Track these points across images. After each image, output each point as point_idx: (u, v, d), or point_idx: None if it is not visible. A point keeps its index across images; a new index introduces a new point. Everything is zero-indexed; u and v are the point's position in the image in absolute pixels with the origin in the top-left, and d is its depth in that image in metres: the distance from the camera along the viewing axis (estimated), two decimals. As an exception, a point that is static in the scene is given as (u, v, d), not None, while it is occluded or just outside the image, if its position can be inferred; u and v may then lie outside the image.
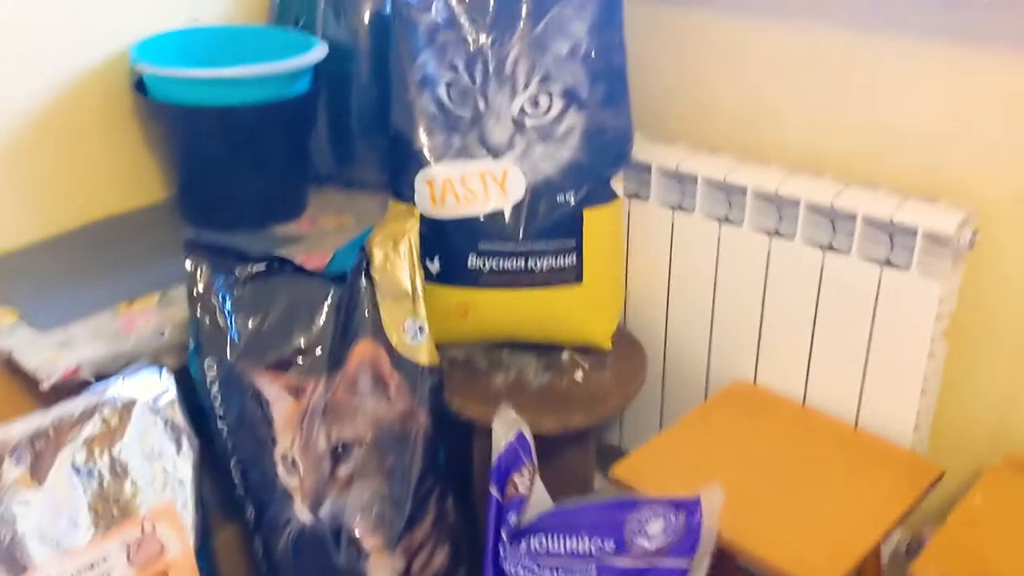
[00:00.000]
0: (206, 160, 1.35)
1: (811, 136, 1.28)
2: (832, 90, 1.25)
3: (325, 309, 1.19)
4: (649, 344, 1.40)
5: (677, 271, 1.36)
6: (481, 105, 1.26)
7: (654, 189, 1.34)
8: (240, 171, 1.35)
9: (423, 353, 1.21)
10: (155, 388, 1.13)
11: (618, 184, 1.30)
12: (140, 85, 1.35)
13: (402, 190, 1.29)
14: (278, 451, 1.16)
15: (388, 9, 1.43)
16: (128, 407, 1.09)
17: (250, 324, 1.17)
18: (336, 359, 1.18)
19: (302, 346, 1.18)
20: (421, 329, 1.21)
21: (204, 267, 1.17)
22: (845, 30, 1.21)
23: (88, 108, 1.37)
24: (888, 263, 1.17)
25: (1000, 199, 1.15)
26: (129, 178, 1.44)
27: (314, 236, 1.39)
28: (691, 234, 1.32)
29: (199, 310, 1.16)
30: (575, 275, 1.28)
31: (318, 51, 1.34)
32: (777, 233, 1.25)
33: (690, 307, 1.37)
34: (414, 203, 1.28)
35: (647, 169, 1.34)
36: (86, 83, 1.36)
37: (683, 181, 1.32)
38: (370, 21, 1.43)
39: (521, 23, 1.26)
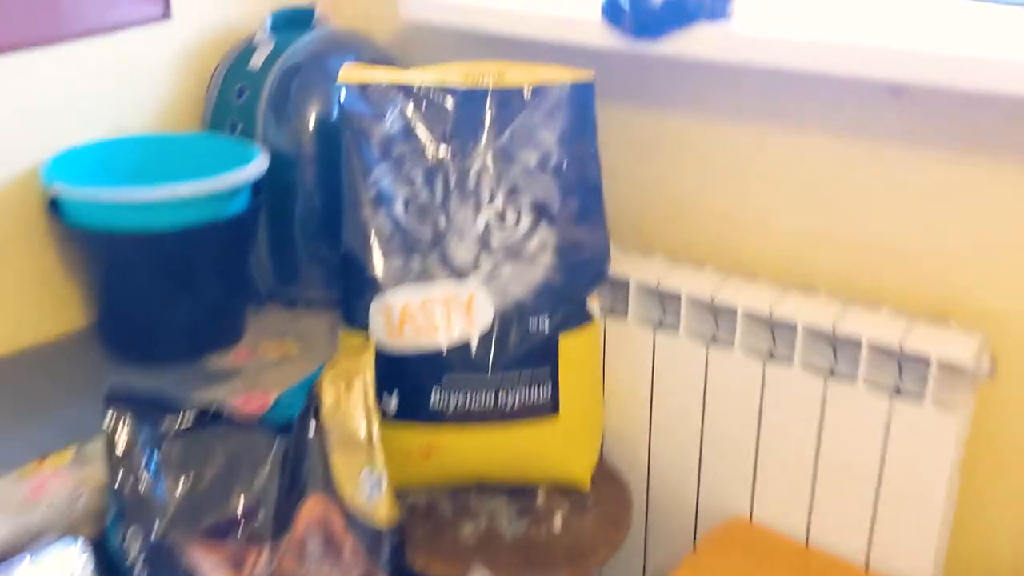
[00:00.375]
0: (129, 289, 1.19)
1: (803, 249, 1.18)
2: (824, 199, 1.15)
3: (268, 464, 1.03)
4: (631, 478, 1.27)
5: (660, 397, 1.24)
6: (442, 222, 1.13)
7: (632, 306, 1.22)
8: (168, 299, 1.20)
9: (381, 509, 1.06)
10: (69, 567, 0.96)
11: (594, 303, 1.18)
12: (55, 205, 1.19)
13: (355, 318, 1.15)
14: (215, 634, 1.00)
15: (336, 113, 1.31)
16: (33, 596, 0.92)
17: (181, 486, 1.01)
18: (282, 522, 1.02)
19: (242, 509, 1.01)
20: (379, 482, 1.06)
21: (126, 421, 1.01)
22: (837, 135, 1.12)
23: (-6, 230, 1.21)
24: (898, 392, 1.06)
25: (1014, 318, 1.06)
26: (42, 304, 1.27)
27: (253, 369, 1.23)
28: (675, 356, 1.20)
29: (121, 471, 0.99)
30: (551, 408, 1.15)
31: (258, 164, 1.21)
32: (772, 357, 1.13)
33: (676, 437, 1.24)
34: (368, 333, 1.14)
35: (624, 285, 1.23)
36: (-8, 203, 1.20)
37: (665, 298, 1.20)
38: (316, 126, 1.31)
39: (484, 132, 1.15)
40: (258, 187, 1.26)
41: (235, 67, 1.35)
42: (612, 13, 1.10)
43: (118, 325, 1.24)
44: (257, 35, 1.35)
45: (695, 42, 1.07)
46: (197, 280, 1.21)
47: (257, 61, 1.33)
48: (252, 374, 1.22)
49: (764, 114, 1.16)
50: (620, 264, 1.22)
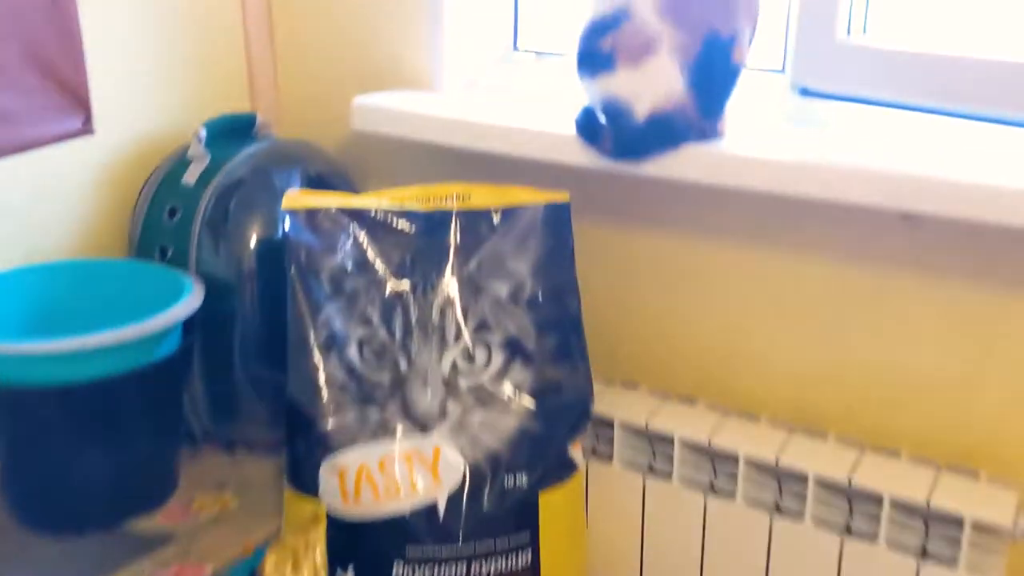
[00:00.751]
0: (40, 447, 1.03)
1: (807, 385, 1.06)
2: (827, 331, 1.04)
3: (201, 670, 0.87)
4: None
5: (652, 553, 1.09)
6: (403, 365, 0.99)
7: (618, 448, 1.09)
8: (86, 457, 1.03)
9: None
10: None
11: (577, 451, 1.05)
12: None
13: (302, 481, 1.00)
14: None
15: (280, 233, 1.17)
16: None
17: None
18: None
19: None
20: None
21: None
22: (841, 261, 1.01)
23: None
24: (925, 555, 0.94)
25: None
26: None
27: (187, 532, 1.07)
28: (668, 507, 1.07)
29: None
30: (531, 576, 1.01)
31: (191, 300, 1.06)
32: (779, 510, 1.01)
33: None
34: (318, 498, 0.99)
35: (607, 424, 1.10)
36: None
37: (655, 441, 1.08)
38: (257, 248, 1.17)
39: (449, 261, 1.02)
40: (191, 323, 1.11)
41: (165, 184, 1.20)
42: (588, 132, 0.99)
43: (27, 487, 1.07)
44: (191, 148, 1.21)
45: (683, 164, 0.96)
46: (120, 434, 1.05)
47: (191, 177, 1.19)
48: (186, 538, 1.06)
49: (760, 237, 1.05)
50: (603, 399, 1.08)
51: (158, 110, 1.26)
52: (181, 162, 1.22)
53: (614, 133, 0.96)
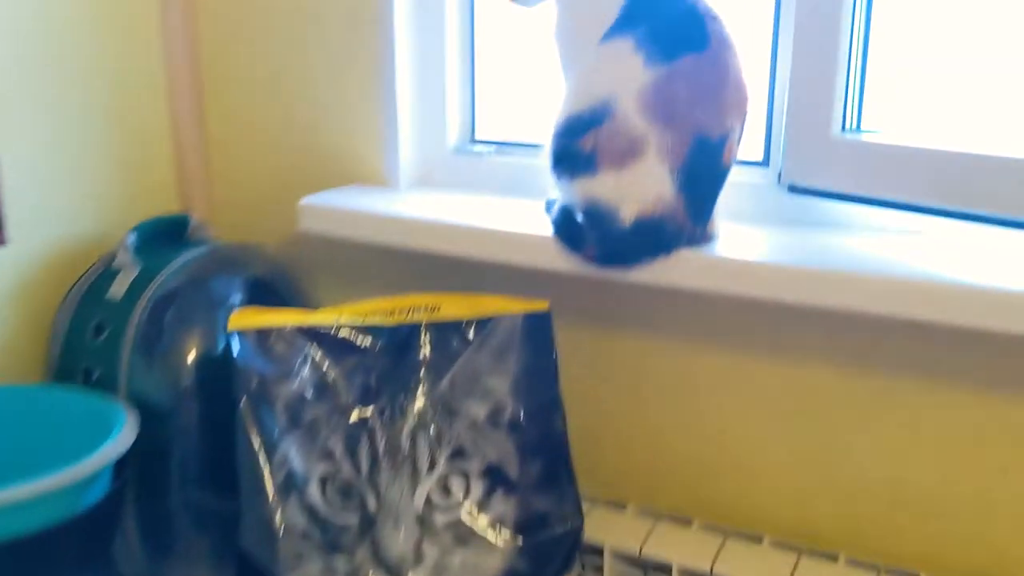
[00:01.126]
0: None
1: (809, 503, 0.98)
2: (829, 443, 0.96)
3: None
4: None
5: None
6: (371, 503, 0.88)
7: (609, 579, 1.00)
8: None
9: None
10: None
11: (565, 585, 0.95)
12: None
13: (259, 643, 0.87)
14: None
15: (220, 346, 1.05)
16: None
17: None
18: None
19: None
20: None
21: None
22: (841, 367, 0.95)
23: None
24: None
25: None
26: None
27: None
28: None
29: None
30: None
31: (124, 435, 0.93)
32: (792, 642, 0.92)
33: None
34: (279, 662, 0.86)
35: (596, 551, 1.00)
36: None
37: (650, 569, 0.98)
38: (197, 363, 1.04)
39: (419, 381, 0.91)
40: (123, 460, 0.98)
41: (89, 298, 1.07)
42: (569, 236, 0.91)
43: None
44: (118, 256, 1.08)
45: (674, 270, 0.88)
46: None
47: (119, 289, 1.07)
48: None
49: (756, 344, 0.98)
50: (589, 522, 0.97)
51: (78, 214, 1.14)
52: (106, 273, 1.09)
53: (599, 239, 0.88)
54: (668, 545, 0.97)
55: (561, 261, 0.93)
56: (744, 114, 0.87)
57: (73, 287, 1.08)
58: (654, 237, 0.87)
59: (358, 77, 1.12)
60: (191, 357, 1.04)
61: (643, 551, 0.97)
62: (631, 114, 0.85)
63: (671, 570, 0.95)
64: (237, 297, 1.10)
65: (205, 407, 1.04)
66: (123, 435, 0.93)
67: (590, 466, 1.06)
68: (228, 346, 1.02)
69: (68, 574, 0.92)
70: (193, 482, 1.06)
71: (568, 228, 0.92)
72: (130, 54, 1.17)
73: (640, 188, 0.86)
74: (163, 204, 1.23)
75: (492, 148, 1.15)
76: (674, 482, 1.05)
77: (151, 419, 1.01)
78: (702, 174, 0.86)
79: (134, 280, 1.06)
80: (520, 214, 1.02)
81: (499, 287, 1.02)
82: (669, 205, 0.86)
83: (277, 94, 1.18)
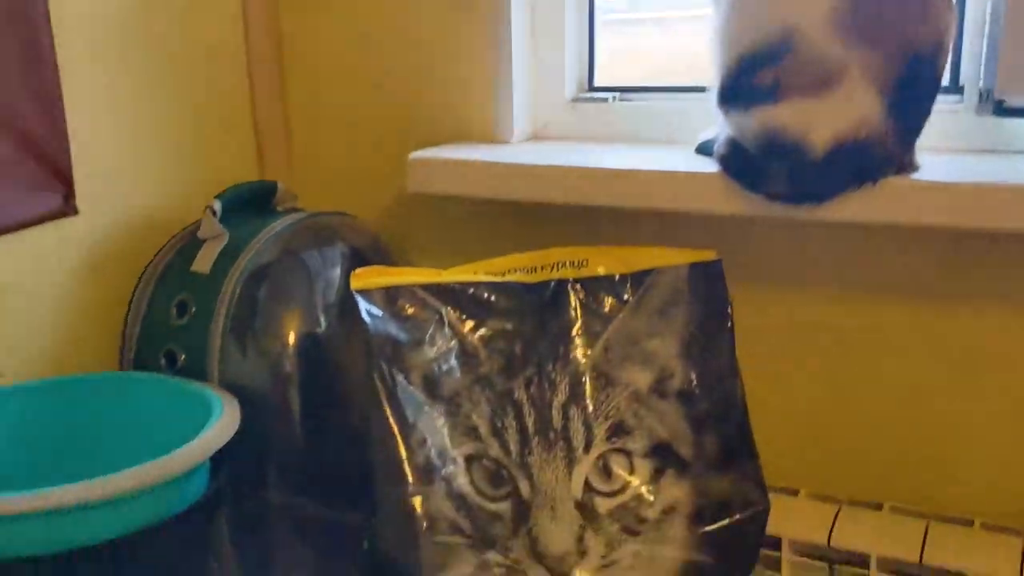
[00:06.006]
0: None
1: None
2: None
3: None
4: None
5: None
6: (524, 488, 0.74)
7: (790, 574, 0.85)
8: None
9: None
10: None
11: (745, 584, 0.81)
12: None
13: (401, 660, 0.73)
14: None
15: (323, 326, 0.93)
16: None
17: None
18: None
19: None
20: None
21: None
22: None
23: None
24: None
25: None
26: None
27: None
28: (863, 646, 0.83)
29: None
30: None
31: (225, 423, 0.80)
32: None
33: None
34: None
35: (774, 544, 0.86)
36: None
37: (838, 561, 0.84)
38: (297, 345, 0.91)
39: (570, 343, 0.78)
40: (220, 458, 0.84)
41: (170, 273, 0.95)
42: (746, 175, 0.78)
43: None
44: (202, 226, 0.96)
45: (878, 203, 0.75)
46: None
47: (205, 262, 0.94)
48: None
49: (974, 293, 0.84)
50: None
51: (154, 184, 1.02)
52: (189, 244, 0.96)
53: (788, 172, 0.75)
54: (860, 534, 0.83)
55: (731, 203, 0.80)
56: (953, 17, 0.75)
57: (152, 261, 0.95)
58: (857, 165, 0.74)
59: (467, 22, 0.99)
60: (291, 339, 0.92)
61: (831, 540, 0.83)
62: (820, 43, 0.73)
63: (868, 562, 0.82)
64: (336, 270, 0.97)
65: (308, 397, 0.91)
66: (224, 422, 0.80)
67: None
68: (331, 326, 0.91)
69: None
70: (294, 486, 0.92)
71: (743, 164, 0.79)
72: (209, 9, 1.05)
73: (838, 113, 0.73)
74: (244, 173, 1.10)
75: (614, 95, 1.02)
76: (858, 463, 0.90)
77: (248, 409, 0.88)
78: (916, 93, 0.73)
79: (222, 251, 0.94)
80: (659, 158, 0.89)
81: (646, 241, 0.88)
82: (875, 129, 0.73)
83: (369, 46, 1.06)
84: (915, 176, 0.75)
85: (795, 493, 0.90)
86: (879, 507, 0.86)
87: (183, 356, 0.92)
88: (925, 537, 0.81)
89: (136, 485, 0.71)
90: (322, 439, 0.91)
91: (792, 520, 0.86)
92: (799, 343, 0.91)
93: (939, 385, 0.87)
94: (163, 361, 0.92)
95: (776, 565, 0.86)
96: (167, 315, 0.93)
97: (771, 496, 0.88)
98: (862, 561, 0.82)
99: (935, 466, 0.88)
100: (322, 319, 0.93)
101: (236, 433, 0.82)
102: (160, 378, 0.90)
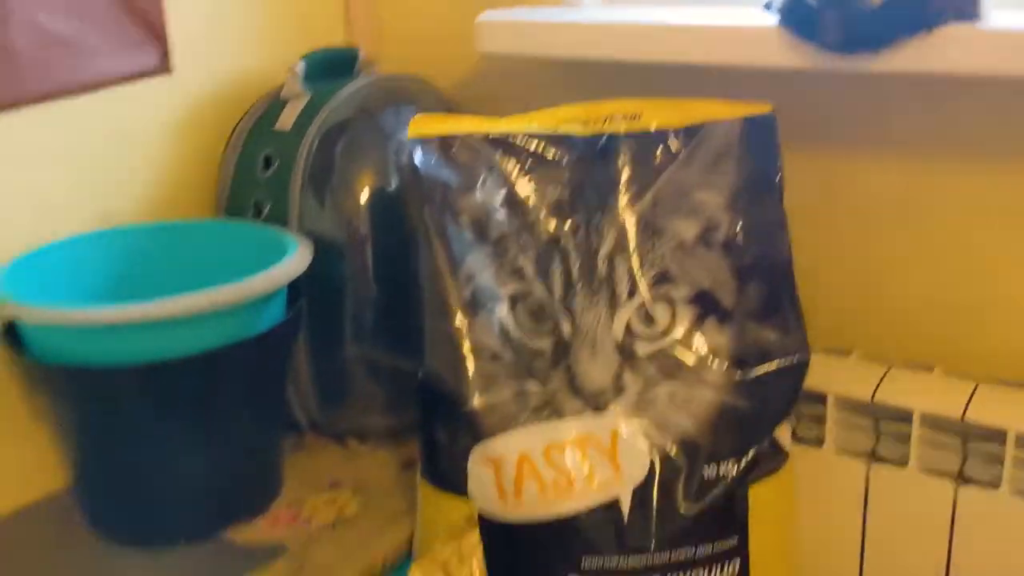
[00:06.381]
0: (119, 439, 0.84)
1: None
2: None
3: None
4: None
5: (875, 560, 0.87)
6: (566, 328, 0.79)
7: (832, 430, 0.87)
8: (177, 451, 0.84)
9: None
10: None
11: (784, 434, 0.83)
12: (12, 332, 0.85)
13: (445, 475, 0.79)
14: None
15: (394, 184, 0.98)
16: None
17: None
18: None
19: None
20: None
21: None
22: None
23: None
24: None
25: None
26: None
27: (299, 542, 0.87)
28: (902, 500, 0.84)
29: None
30: (738, 592, 0.79)
31: (298, 259, 0.87)
32: (1064, 504, 0.78)
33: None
34: (466, 493, 0.78)
35: (819, 399, 0.87)
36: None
37: (883, 416, 0.85)
38: (370, 201, 0.97)
39: (618, 196, 0.80)
40: (296, 290, 0.92)
41: (258, 129, 1.01)
42: (800, 23, 0.77)
43: (105, 494, 0.88)
44: (286, 86, 1.02)
45: (937, 51, 0.73)
46: (214, 423, 0.85)
47: (287, 120, 1.00)
48: (298, 550, 0.86)
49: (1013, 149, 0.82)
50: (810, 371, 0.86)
51: (243, 47, 1.08)
52: (275, 104, 1.02)
53: (841, 18, 0.74)
54: (906, 392, 0.84)
55: (786, 55, 0.80)
56: None
57: (241, 120, 1.02)
58: (914, 10, 0.72)
59: None
60: (365, 193, 0.97)
61: (876, 397, 0.84)
62: None
63: (911, 418, 0.82)
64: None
65: (379, 247, 0.97)
66: (296, 258, 0.86)
67: (807, 310, 0.93)
68: (404, 176, 0.95)
69: (245, 402, 0.87)
70: (367, 326, 0.99)
71: (799, 12, 0.78)
72: None
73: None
74: (331, 38, 1.15)
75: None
76: (910, 327, 0.90)
77: (323, 257, 0.94)
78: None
79: (303, 109, 0.99)
80: (725, 14, 0.88)
81: (707, 95, 0.89)
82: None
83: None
84: (976, 25, 0.73)
85: (847, 354, 0.91)
86: (930, 369, 0.86)
87: (268, 206, 0.99)
88: (971, 397, 0.81)
89: (214, 303, 0.79)
90: (388, 286, 0.97)
91: (839, 378, 0.87)
92: (854, 203, 0.91)
93: (1000, 247, 0.85)
94: (252, 211, 1.00)
95: (820, 421, 0.87)
96: (254, 169, 1.00)
97: (822, 356, 0.90)
98: (905, 418, 0.83)
99: (989, 329, 0.86)
100: (394, 178, 0.98)
101: (314, 277, 0.90)
102: (248, 225, 0.98)
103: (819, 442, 0.87)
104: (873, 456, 0.85)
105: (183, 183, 1.03)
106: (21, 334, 0.83)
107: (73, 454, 0.89)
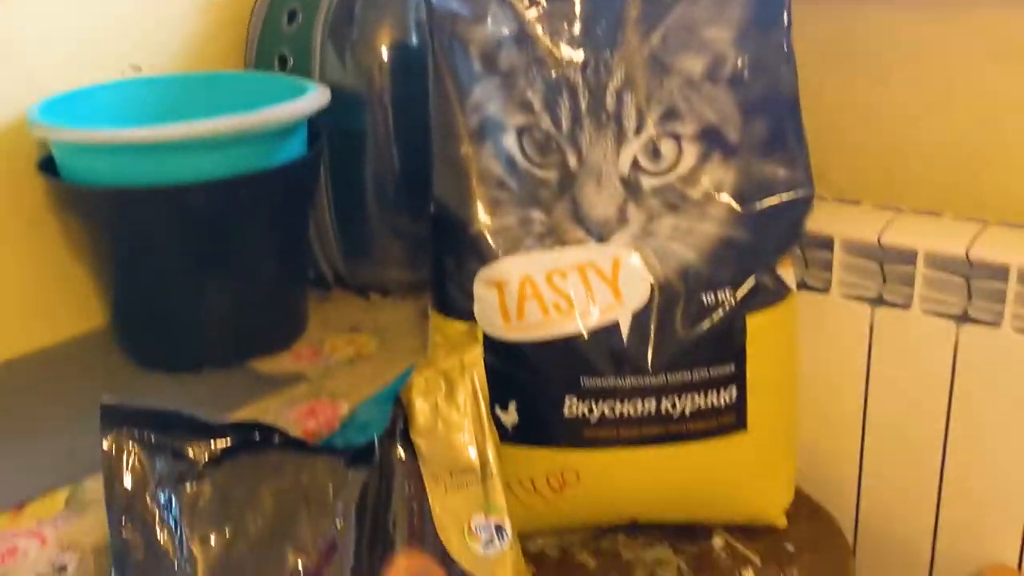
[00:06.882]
0: (151, 267, 0.89)
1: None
2: None
3: (339, 509, 0.71)
4: (834, 512, 0.92)
5: (880, 400, 0.89)
6: (572, 161, 0.80)
7: (838, 274, 0.88)
8: (202, 281, 0.89)
9: (504, 567, 0.73)
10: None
11: (788, 270, 0.84)
12: (49, 164, 0.90)
13: (452, 299, 0.82)
14: None
15: (414, 39, 0.99)
16: None
17: (213, 543, 0.69)
18: (361, 594, 0.70)
19: (303, 575, 0.70)
20: (500, 530, 0.73)
21: (134, 450, 0.70)
22: None
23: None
24: None
25: None
26: (40, 299, 0.98)
27: (319, 374, 0.92)
28: (905, 342, 0.85)
29: (125, 523, 0.69)
30: (735, 419, 0.81)
31: (315, 97, 0.89)
32: (1063, 338, 0.78)
33: (903, 456, 0.89)
34: (473, 319, 0.81)
35: (826, 244, 0.88)
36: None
37: (888, 260, 0.86)
38: (390, 56, 0.99)
39: (627, 31, 0.81)
40: (316, 132, 0.95)
41: (284, -16, 1.05)
42: None
43: (138, 320, 0.93)
44: (311, -59, 1.04)
45: None
46: (240, 253, 0.90)
47: (311, -26, 1.03)
48: (317, 379, 0.91)
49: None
50: (815, 215, 0.86)
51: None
52: (302, -40, 1.05)
53: None
54: (911, 233, 0.84)
55: None
56: None
57: (269, -25, 1.05)
58: None
59: None
60: (384, 48, 0.99)
61: (882, 240, 0.84)
62: None
63: (915, 259, 0.83)
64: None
65: (400, 99, 0.99)
66: (315, 95, 0.89)
67: (816, 163, 0.93)
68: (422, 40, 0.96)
69: (267, 234, 0.91)
70: (387, 181, 1.02)
71: None
72: None
73: None
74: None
75: None
76: (920, 178, 0.90)
77: (344, 110, 0.97)
78: None
79: (327, -36, 1.02)
80: None
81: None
82: None
83: None
84: None
85: (857, 203, 0.91)
86: (939, 215, 0.86)
87: (292, 59, 1.02)
88: (976, 237, 0.81)
89: (235, 127, 0.82)
90: (408, 141, 0.99)
91: (847, 223, 0.87)
92: (866, 48, 0.90)
93: (1012, 92, 0.84)
94: (277, 63, 1.03)
95: (828, 265, 0.88)
96: (279, 22, 1.03)
97: (832, 205, 0.91)
98: (910, 260, 0.83)
99: (999, 175, 0.86)
100: (414, 34, 1.00)
101: (335, 134, 0.94)
102: (272, 76, 1.01)
103: (825, 288, 0.88)
104: (879, 300, 0.86)
105: (215, 34, 1.06)
106: (55, 164, 0.87)
107: (108, 287, 0.94)
